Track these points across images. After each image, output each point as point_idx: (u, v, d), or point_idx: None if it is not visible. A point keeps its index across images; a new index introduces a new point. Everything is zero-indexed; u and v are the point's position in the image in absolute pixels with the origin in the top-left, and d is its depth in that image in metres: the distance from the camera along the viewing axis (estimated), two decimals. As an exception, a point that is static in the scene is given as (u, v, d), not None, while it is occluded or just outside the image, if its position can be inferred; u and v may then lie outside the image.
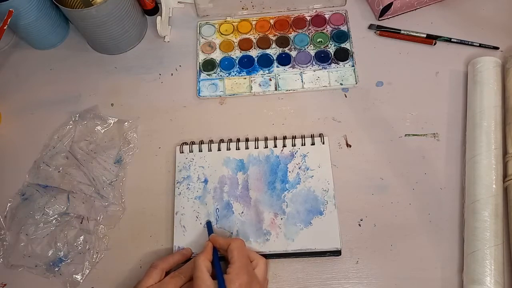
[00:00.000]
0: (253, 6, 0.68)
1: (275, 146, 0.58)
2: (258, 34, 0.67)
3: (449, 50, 0.64)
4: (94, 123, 0.61)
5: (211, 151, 0.58)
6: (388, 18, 0.66)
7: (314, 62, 0.64)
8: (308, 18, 0.68)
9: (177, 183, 0.57)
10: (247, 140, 0.59)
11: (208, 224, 0.54)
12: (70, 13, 0.60)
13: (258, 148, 0.58)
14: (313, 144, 0.58)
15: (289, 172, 0.56)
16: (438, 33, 0.64)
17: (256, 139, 0.59)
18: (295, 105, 0.62)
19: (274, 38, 0.67)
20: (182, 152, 0.59)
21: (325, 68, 0.64)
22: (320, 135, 0.58)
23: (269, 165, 0.57)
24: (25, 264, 0.54)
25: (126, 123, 0.62)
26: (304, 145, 0.58)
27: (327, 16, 0.68)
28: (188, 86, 0.65)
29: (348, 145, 0.59)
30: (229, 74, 0.65)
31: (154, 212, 0.57)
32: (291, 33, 0.67)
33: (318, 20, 0.67)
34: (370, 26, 0.67)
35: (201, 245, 0.52)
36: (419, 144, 0.58)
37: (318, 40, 0.66)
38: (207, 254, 0.48)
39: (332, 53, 0.65)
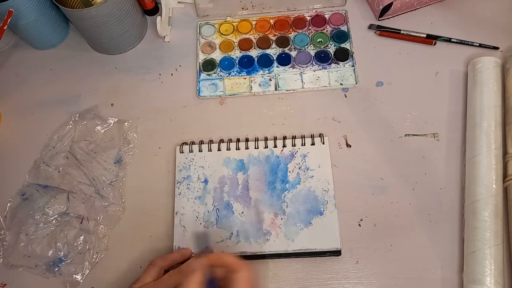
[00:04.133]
0: (253, 6, 0.68)
1: (275, 146, 0.58)
2: (258, 34, 0.67)
3: (449, 50, 0.64)
4: (94, 123, 0.61)
5: (211, 151, 0.58)
6: (388, 18, 0.66)
7: (314, 62, 0.64)
8: (308, 18, 0.68)
9: (177, 183, 0.57)
10: (247, 140, 0.59)
11: (205, 237, 0.51)
12: (70, 13, 0.60)
13: (258, 148, 0.58)
14: (313, 144, 0.58)
15: (289, 172, 0.56)
16: (438, 33, 0.64)
17: (256, 139, 0.59)
18: (295, 105, 0.62)
19: (274, 38, 0.67)
20: (182, 152, 0.59)
21: (325, 68, 0.64)
22: (320, 135, 0.58)
23: (269, 165, 0.57)
24: (25, 264, 0.54)
25: (126, 123, 0.62)
26: (304, 145, 0.58)
27: (327, 16, 0.68)
28: (188, 86, 0.65)
29: (348, 145, 0.59)
30: (229, 74, 0.65)
31: (154, 212, 0.57)
32: (291, 33, 0.67)
33: (318, 20, 0.67)
34: (370, 26, 0.67)
35: (201, 245, 0.53)
36: (419, 144, 0.58)
37: (318, 40, 0.66)
38: (200, 276, 0.40)
39: (332, 53, 0.65)
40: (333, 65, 0.64)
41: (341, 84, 0.63)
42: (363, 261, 0.52)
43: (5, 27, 0.58)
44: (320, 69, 0.64)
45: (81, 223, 0.55)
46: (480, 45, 0.63)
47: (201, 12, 0.69)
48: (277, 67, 0.65)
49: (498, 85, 0.56)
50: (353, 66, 0.63)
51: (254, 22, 0.68)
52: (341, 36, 0.66)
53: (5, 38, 0.68)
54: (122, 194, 0.58)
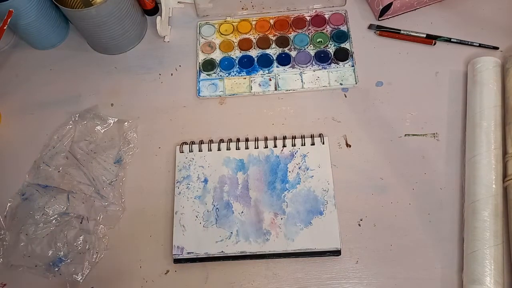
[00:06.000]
0: (253, 6, 0.68)
1: (275, 146, 0.58)
2: (258, 34, 0.67)
3: (449, 50, 0.64)
4: (94, 123, 0.61)
5: (211, 151, 0.58)
6: (388, 18, 0.66)
7: (314, 62, 0.64)
8: (308, 18, 0.68)
9: (177, 182, 0.57)
10: (247, 140, 0.59)
11: None
12: (70, 13, 0.60)
13: (258, 148, 0.58)
14: (313, 144, 0.58)
15: (289, 172, 0.56)
16: (438, 33, 0.64)
17: (256, 139, 0.59)
18: (295, 105, 0.62)
19: (274, 38, 0.67)
20: (182, 152, 0.59)
21: (325, 68, 0.64)
22: (320, 135, 0.58)
23: (269, 165, 0.57)
24: (25, 264, 0.54)
25: (126, 123, 0.62)
26: (304, 145, 0.58)
27: (327, 16, 0.68)
28: (188, 86, 0.65)
29: (348, 145, 0.59)
30: (229, 74, 0.65)
31: (154, 212, 0.57)
32: (291, 33, 0.67)
33: (318, 20, 0.67)
34: (370, 26, 0.67)
35: (200, 245, 0.53)
36: (419, 144, 0.58)
37: (318, 40, 0.66)
38: None
39: (332, 53, 0.65)
40: (333, 65, 0.64)
41: (341, 84, 0.63)
42: (363, 261, 0.52)
43: (5, 27, 0.58)
44: (320, 69, 0.64)
45: (81, 223, 0.55)
46: (480, 45, 0.63)
47: (201, 12, 0.69)
48: (277, 67, 0.65)
49: (498, 85, 0.56)
50: (353, 66, 0.64)
51: (254, 22, 0.68)
52: (341, 36, 0.66)
53: (5, 38, 0.68)
54: (122, 194, 0.58)
